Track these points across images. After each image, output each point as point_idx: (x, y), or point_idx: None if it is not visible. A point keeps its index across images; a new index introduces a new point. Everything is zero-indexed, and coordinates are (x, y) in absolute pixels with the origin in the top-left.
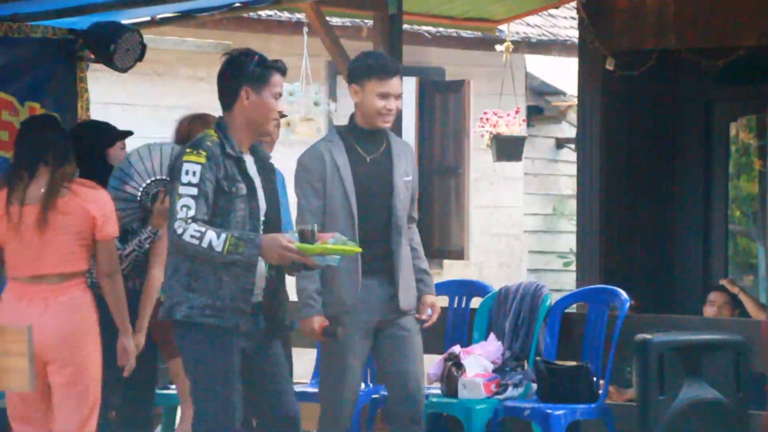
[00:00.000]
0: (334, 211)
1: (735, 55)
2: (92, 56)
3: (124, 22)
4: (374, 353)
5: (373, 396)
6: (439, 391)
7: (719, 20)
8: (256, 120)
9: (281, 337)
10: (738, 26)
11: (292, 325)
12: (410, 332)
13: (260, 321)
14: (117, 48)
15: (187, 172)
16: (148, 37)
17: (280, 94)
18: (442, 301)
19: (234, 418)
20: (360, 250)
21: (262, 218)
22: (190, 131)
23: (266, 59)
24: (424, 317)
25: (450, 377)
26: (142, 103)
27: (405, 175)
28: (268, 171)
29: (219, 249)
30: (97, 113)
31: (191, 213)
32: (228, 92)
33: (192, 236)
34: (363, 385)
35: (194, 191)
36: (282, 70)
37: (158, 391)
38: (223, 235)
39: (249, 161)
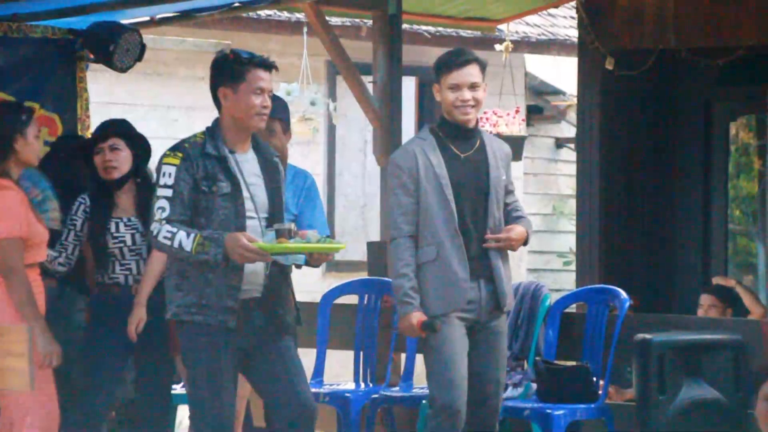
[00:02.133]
0: (431, 210)
1: (735, 55)
2: (92, 56)
3: (124, 22)
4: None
5: (373, 396)
6: None
7: (719, 20)
8: (239, 117)
9: (291, 333)
10: (738, 26)
11: (298, 320)
12: (502, 335)
13: (255, 317)
14: (117, 48)
15: (164, 174)
16: (148, 37)
17: (262, 89)
18: None
19: (222, 414)
20: (341, 246)
21: (264, 215)
22: None
23: (242, 56)
24: (491, 236)
25: None
26: (142, 103)
27: (501, 174)
28: (272, 169)
29: (188, 249)
30: (96, 113)
31: (165, 214)
32: (213, 95)
33: (165, 237)
34: (363, 385)
35: (169, 192)
36: (262, 64)
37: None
38: (192, 235)
39: (245, 159)
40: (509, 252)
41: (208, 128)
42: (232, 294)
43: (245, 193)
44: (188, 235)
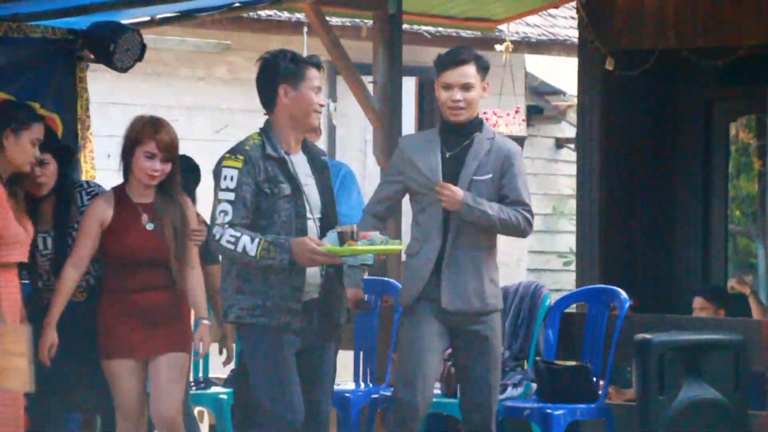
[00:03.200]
0: (423, 203)
1: (735, 55)
2: (92, 56)
3: (124, 22)
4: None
5: (373, 396)
6: (439, 391)
7: (719, 20)
8: (297, 115)
9: (336, 339)
10: (738, 26)
11: (349, 319)
12: (490, 338)
13: (314, 319)
14: (117, 48)
15: (225, 177)
16: (148, 37)
17: (320, 88)
18: None
19: (294, 415)
20: (400, 248)
21: (318, 216)
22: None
23: (299, 56)
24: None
25: (450, 377)
26: (142, 103)
27: (476, 174)
28: (322, 169)
29: (252, 254)
30: (97, 113)
31: (228, 218)
32: (267, 93)
33: (228, 241)
34: (363, 385)
35: (231, 196)
36: (317, 65)
37: None
38: (257, 240)
39: (297, 160)
40: (510, 251)
41: (262, 129)
42: (295, 296)
43: (309, 193)
44: (252, 239)
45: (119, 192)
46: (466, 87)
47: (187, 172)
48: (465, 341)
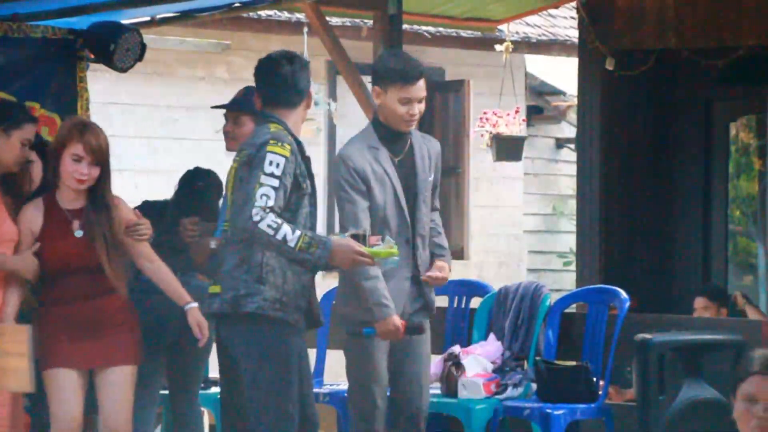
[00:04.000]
0: (383, 214)
1: (735, 55)
2: (92, 56)
3: (124, 22)
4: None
5: None
6: (438, 391)
7: (719, 20)
8: (304, 117)
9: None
10: (738, 26)
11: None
12: (426, 334)
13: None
14: (117, 48)
15: (270, 163)
16: (148, 37)
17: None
18: (442, 300)
19: (292, 417)
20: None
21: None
22: None
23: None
24: (430, 274)
25: (450, 377)
26: (142, 103)
27: (428, 176)
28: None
29: (292, 245)
30: (97, 113)
31: (270, 202)
32: (294, 90)
33: (269, 226)
34: None
35: (275, 182)
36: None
37: (161, 392)
38: (298, 232)
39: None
40: (510, 251)
41: (280, 124)
42: (305, 294)
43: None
44: (293, 230)
45: (48, 199)
46: (421, 100)
47: (213, 186)
48: (402, 341)
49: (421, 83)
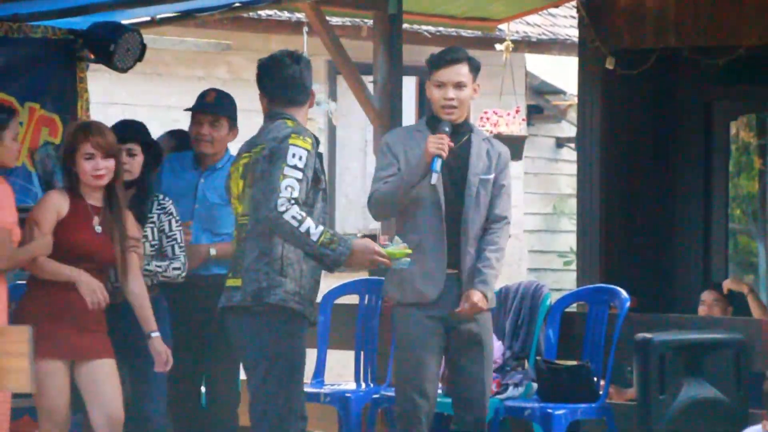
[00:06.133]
0: (415, 200)
1: (735, 55)
2: (92, 56)
3: (124, 22)
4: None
5: (374, 396)
6: (439, 391)
7: (719, 20)
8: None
9: None
10: (738, 26)
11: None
12: (482, 334)
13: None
14: (117, 48)
15: (293, 155)
16: (148, 37)
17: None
18: None
19: (302, 412)
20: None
21: None
22: None
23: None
24: (458, 310)
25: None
26: (142, 103)
27: (481, 173)
28: None
29: (314, 239)
30: (97, 113)
31: (295, 194)
32: (302, 90)
33: (293, 217)
34: (364, 385)
35: (299, 175)
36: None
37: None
38: (321, 227)
39: None
40: (510, 251)
41: (291, 121)
42: (316, 289)
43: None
44: (316, 225)
45: (72, 191)
46: (459, 86)
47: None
48: (459, 340)
49: (458, 68)
